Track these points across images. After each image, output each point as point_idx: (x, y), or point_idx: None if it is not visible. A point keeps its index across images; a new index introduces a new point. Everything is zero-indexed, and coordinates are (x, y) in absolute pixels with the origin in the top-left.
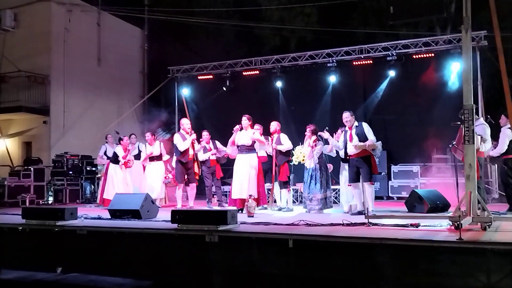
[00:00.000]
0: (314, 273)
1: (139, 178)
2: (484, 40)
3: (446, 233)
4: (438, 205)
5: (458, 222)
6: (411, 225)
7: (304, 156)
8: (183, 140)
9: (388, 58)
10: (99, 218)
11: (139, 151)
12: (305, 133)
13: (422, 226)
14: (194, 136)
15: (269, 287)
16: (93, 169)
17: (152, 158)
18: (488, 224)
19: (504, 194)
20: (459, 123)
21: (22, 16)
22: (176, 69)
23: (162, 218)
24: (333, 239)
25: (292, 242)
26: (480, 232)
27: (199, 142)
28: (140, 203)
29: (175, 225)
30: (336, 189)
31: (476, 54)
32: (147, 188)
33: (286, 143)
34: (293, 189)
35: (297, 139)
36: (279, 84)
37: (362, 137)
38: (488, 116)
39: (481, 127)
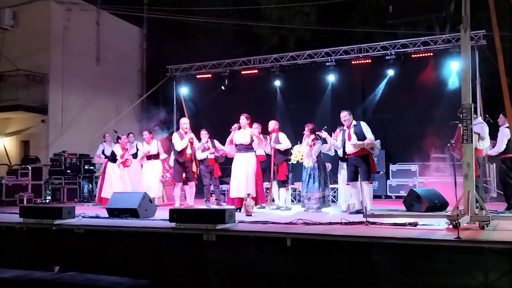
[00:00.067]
0: (312, 272)
1: (137, 177)
2: (483, 40)
3: (444, 232)
4: (436, 204)
5: (456, 221)
6: (409, 224)
7: (302, 155)
8: (181, 139)
9: (387, 57)
10: (97, 217)
11: (137, 150)
12: (304, 132)
13: (420, 225)
14: (191, 135)
15: (267, 286)
16: (91, 168)
17: (149, 157)
18: (486, 223)
19: (502, 193)
20: (457, 122)
21: (21, 15)
22: (174, 68)
23: (160, 217)
24: (331, 238)
25: (290, 241)
26: (478, 231)
27: (199, 140)
28: (138, 202)
29: (173, 224)
30: (334, 188)
31: (475, 54)
32: (145, 187)
33: (284, 142)
34: (291, 188)
35: (296, 138)
36: (277, 83)
37: (361, 136)
38: (487, 115)
39: (480, 126)
